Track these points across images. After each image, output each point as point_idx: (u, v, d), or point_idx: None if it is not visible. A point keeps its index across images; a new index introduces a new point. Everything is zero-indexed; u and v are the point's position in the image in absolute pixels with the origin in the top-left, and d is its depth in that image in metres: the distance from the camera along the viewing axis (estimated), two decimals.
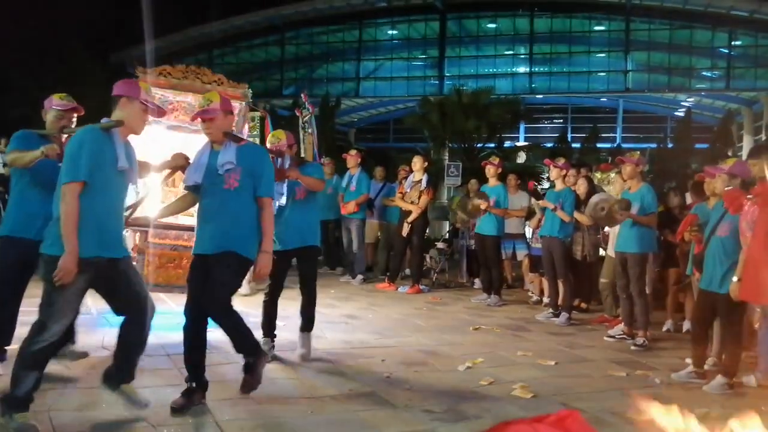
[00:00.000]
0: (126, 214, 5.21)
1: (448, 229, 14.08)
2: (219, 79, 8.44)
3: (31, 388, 4.39)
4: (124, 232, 5.11)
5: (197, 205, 5.17)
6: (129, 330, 4.75)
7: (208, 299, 4.94)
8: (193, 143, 6.03)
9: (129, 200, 5.13)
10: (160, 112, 5.13)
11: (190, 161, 5.25)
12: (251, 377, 4.96)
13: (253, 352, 5.01)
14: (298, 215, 6.39)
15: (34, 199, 5.41)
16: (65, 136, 5.44)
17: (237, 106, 8.11)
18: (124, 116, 4.63)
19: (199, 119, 5.09)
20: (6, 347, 5.55)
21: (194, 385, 5.04)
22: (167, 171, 5.61)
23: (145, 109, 4.74)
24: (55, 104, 5.79)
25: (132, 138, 4.79)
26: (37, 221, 5.17)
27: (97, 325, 7.26)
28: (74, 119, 5.91)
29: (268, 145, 6.46)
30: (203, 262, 4.94)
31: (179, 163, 5.40)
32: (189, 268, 5.15)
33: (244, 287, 9.24)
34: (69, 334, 5.59)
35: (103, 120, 4.68)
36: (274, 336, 6.69)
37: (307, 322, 6.76)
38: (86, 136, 4.48)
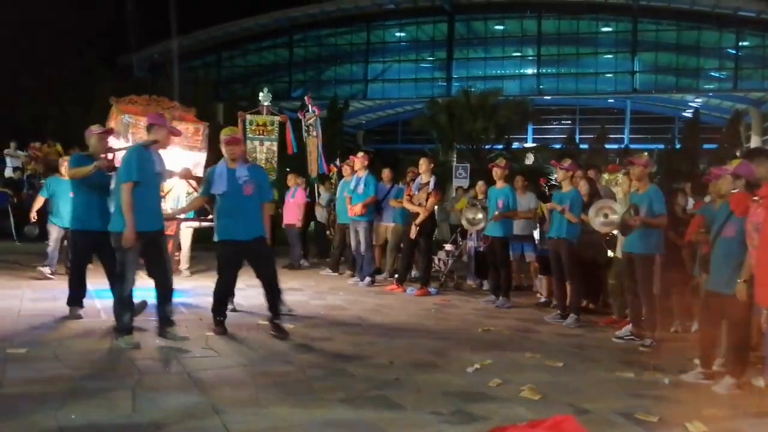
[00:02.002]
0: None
1: (457, 230, 14.06)
2: (174, 105, 11.12)
3: (130, 320, 6.80)
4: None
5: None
6: (158, 292, 7.07)
7: (266, 267, 7.59)
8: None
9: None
10: (177, 133, 7.65)
11: (192, 173, 8.67)
12: (279, 332, 7.47)
13: (278, 313, 7.62)
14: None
15: (91, 200, 7.71)
16: (110, 155, 8.01)
17: (201, 128, 10.94)
18: (158, 137, 7.01)
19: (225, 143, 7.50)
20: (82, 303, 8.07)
21: (222, 318, 7.62)
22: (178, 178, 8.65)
23: (171, 132, 7.23)
24: (93, 131, 8.15)
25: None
26: (96, 216, 7.56)
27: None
28: (109, 139, 8.41)
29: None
30: (237, 245, 7.41)
31: (186, 174, 8.53)
32: (221, 248, 7.55)
33: (185, 272, 12.16)
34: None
35: (143, 140, 7.31)
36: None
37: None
38: (135, 151, 6.93)
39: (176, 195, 10.34)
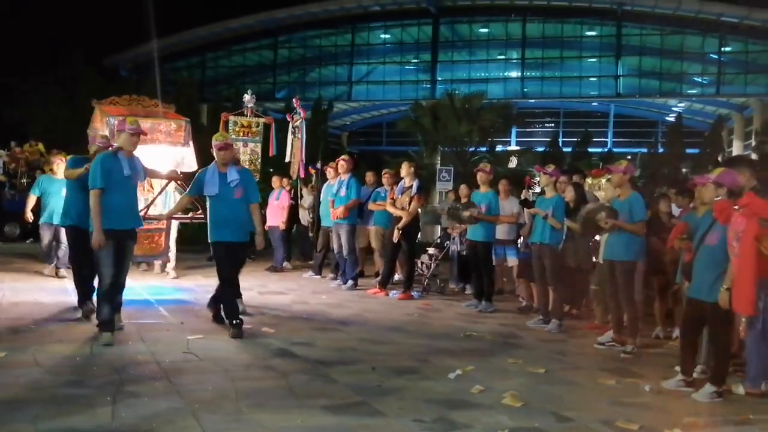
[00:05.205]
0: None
1: (439, 234, 14.06)
2: (155, 104, 11.55)
3: (110, 314, 7.14)
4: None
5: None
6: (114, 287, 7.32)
7: (236, 268, 8.16)
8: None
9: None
10: (142, 133, 7.71)
11: (179, 174, 9.39)
12: (238, 331, 7.61)
13: (236, 316, 7.79)
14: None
15: (81, 199, 7.97)
16: None
17: (183, 123, 11.22)
18: (121, 142, 7.46)
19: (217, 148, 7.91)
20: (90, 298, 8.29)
21: (238, 321, 7.75)
22: (165, 180, 9.58)
23: (133, 134, 7.44)
24: (99, 141, 8.68)
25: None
26: (85, 214, 7.61)
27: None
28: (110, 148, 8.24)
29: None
30: (229, 245, 7.82)
31: (173, 176, 9.28)
32: (217, 250, 7.91)
33: (172, 273, 12.48)
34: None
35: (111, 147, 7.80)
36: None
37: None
38: (100, 159, 7.32)
39: (166, 192, 10.75)
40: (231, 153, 8.10)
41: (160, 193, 10.32)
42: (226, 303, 7.99)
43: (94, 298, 7.84)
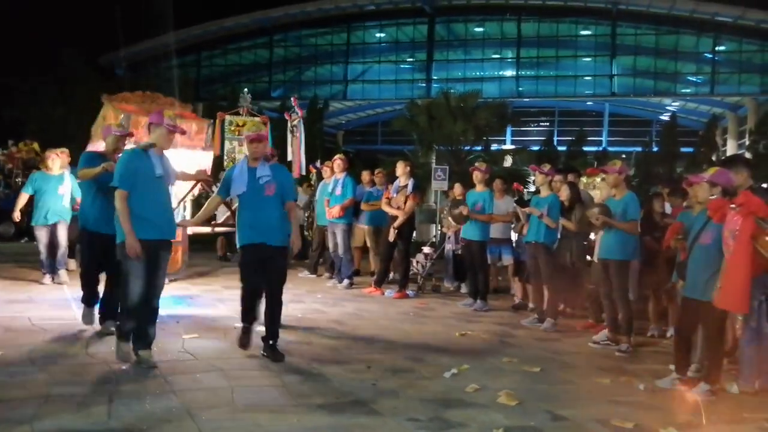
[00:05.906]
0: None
1: (434, 234, 14.06)
2: (171, 102, 10.50)
3: (132, 327, 6.21)
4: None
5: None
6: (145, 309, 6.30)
7: (275, 281, 6.89)
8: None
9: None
10: (181, 130, 6.94)
11: (209, 175, 8.40)
12: (273, 354, 6.64)
13: (275, 333, 6.83)
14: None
15: (100, 202, 7.22)
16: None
17: (204, 125, 10.57)
18: (154, 139, 6.41)
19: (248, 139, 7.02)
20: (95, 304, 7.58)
21: (249, 324, 6.91)
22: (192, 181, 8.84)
23: (171, 131, 6.50)
24: (113, 131, 7.76)
25: None
26: (104, 220, 6.87)
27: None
28: (127, 142, 7.75)
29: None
30: (258, 248, 6.74)
31: (201, 177, 8.31)
32: (243, 254, 6.90)
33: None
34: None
35: (141, 143, 6.75)
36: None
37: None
38: (127, 156, 6.43)
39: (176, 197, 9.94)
40: (264, 146, 7.00)
41: (187, 194, 9.51)
42: (243, 304, 6.99)
43: (94, 311, 7.54)
